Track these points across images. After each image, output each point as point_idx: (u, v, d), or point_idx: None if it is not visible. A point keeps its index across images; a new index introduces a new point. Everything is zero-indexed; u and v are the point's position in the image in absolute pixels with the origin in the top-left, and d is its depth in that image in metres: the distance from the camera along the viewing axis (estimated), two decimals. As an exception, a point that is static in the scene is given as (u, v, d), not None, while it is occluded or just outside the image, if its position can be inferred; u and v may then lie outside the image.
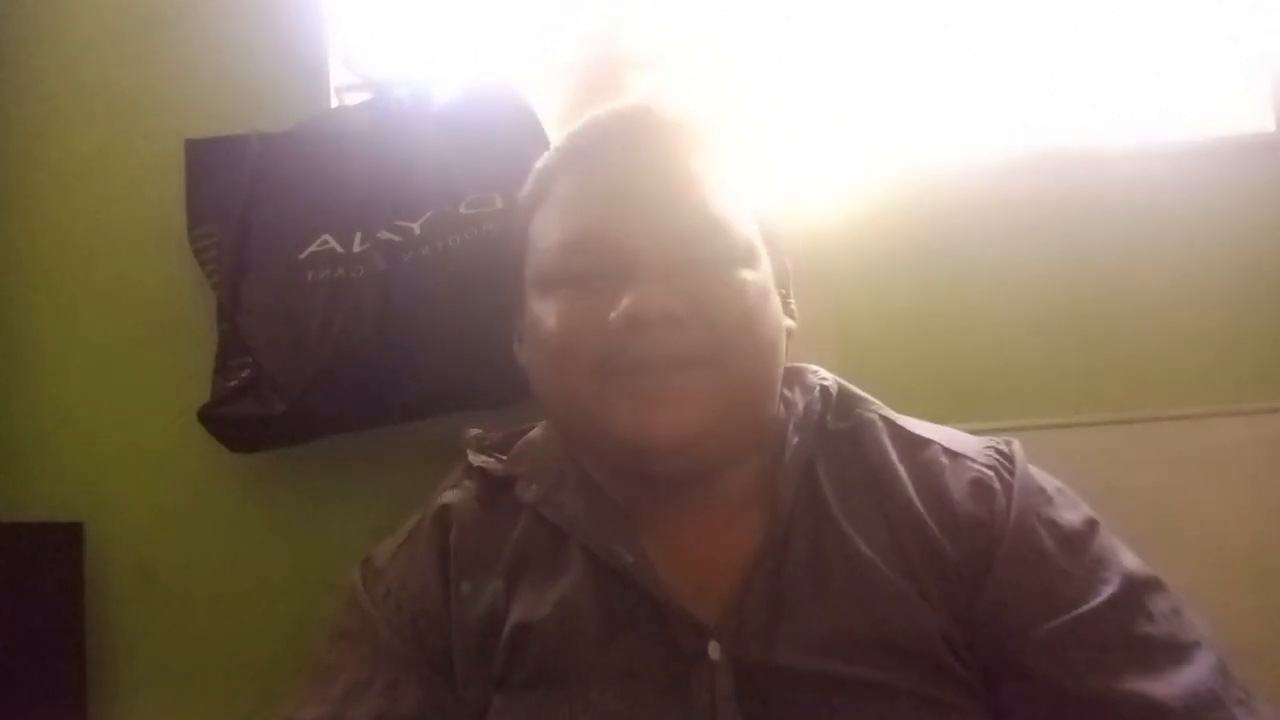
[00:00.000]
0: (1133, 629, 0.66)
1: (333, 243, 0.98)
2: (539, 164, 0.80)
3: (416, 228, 0.97)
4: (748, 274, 0.72)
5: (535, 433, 0.83)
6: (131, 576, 1.05)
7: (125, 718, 1.04)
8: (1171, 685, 0.63)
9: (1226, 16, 1.21)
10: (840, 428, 0.76)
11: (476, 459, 0.81)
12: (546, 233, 0.75)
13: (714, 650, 0.67)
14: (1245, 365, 1.11)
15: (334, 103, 1.12)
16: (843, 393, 0.79)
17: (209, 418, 0.98)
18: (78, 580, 1.02)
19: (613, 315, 0.68)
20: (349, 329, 0.93)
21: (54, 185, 1.09)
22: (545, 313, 0.73)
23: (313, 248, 0.98)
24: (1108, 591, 0.67)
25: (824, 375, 0.80)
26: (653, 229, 0.70)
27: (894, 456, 0.74)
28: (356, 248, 0.97)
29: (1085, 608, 0.66)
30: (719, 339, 0.69)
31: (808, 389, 0.78)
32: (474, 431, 0.84)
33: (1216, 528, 1.04)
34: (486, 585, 0.73)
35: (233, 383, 0.97)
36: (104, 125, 1.09)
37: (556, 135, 0.80)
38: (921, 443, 0.75)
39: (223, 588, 1.05)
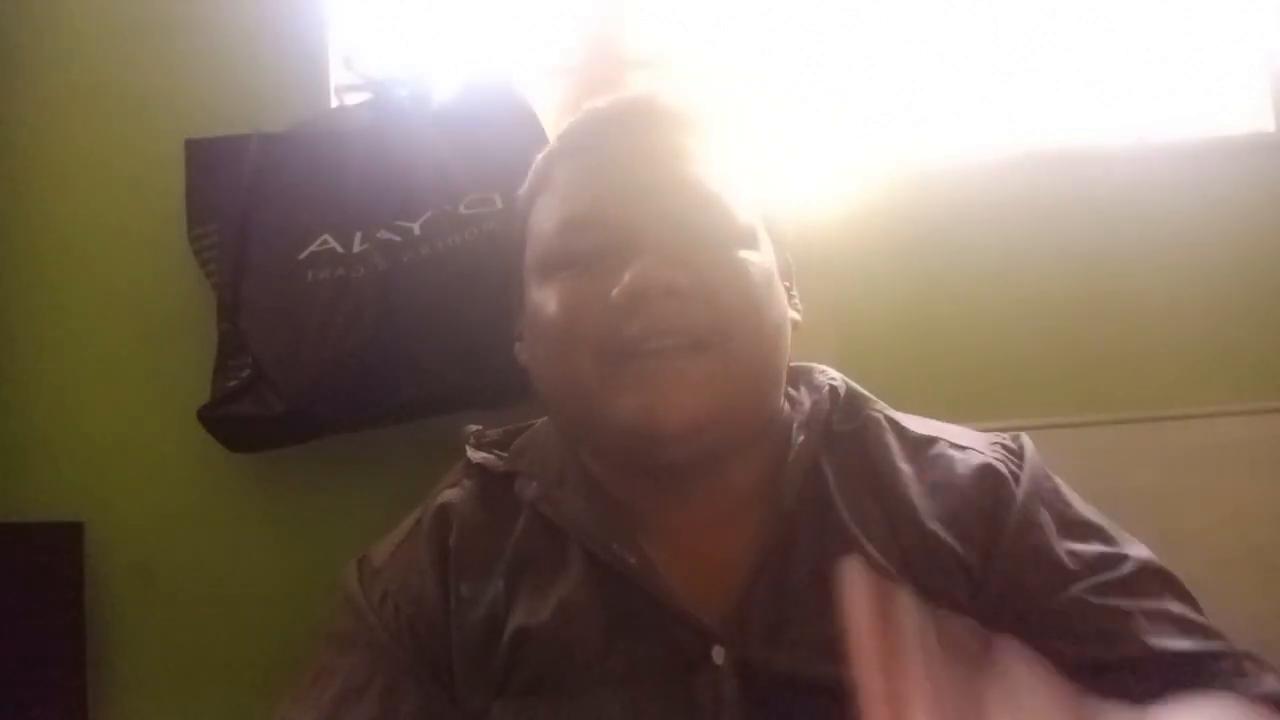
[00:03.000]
0: (1144, 604, 0.65)
1: (333, 243, 0.98)
2: (537, 158, 0.79)
3: (416, 228, 0.97)
4: (750, 255, 0.71)
5: (536, 429, 0.82)
6: (131, 576, 1.05)
7: (125, 718, 1.04)
8: (1185, 644, 0.64)
9: (1226, 16, 1.21)
10: (846, 429, 0.75)
11: (475, 455, 0.79)
12: (545, 220, 0.74)
13: (718, 655, 0.66)
14: (1245, 365, 1.10)
15: (334, 103, 1.12)
16: (850, 393, 0.78)
17: (209, 418, 0.97)
18: (78, 580, 1.01)
19: (614, 291, 0.67)
20: (349, 329, 0.93)
21: (54, 185, 1.09)
22: (546, 299, 0.71)
23: (313, 248, 0.98)
24: (1123, 569, 0.67)
25: (832, 375, 0.80)
26: (652, 206, 0.70)
27: (896, 456, 0.73)
28: (356, 248, 0.97)
29: (1095, 580, 0.66)
30: (721, 317, 0.68)
31: (815, 388, 0.78)
32: (473, 428, 0.83)
33: (1216, 528, 1.03)
34: (486, 587, 0.71)
35: (233, 383, 0.97)
36: (104, 125, 1.09)
37: (556, 132, 0.80)
38: (926, 441, 0.75)
39: (222, 588, 1.05)
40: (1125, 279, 1.12)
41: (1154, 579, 0.68)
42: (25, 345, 1.07)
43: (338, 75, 1.13)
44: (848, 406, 0.77)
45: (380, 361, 0.93)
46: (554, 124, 1.02)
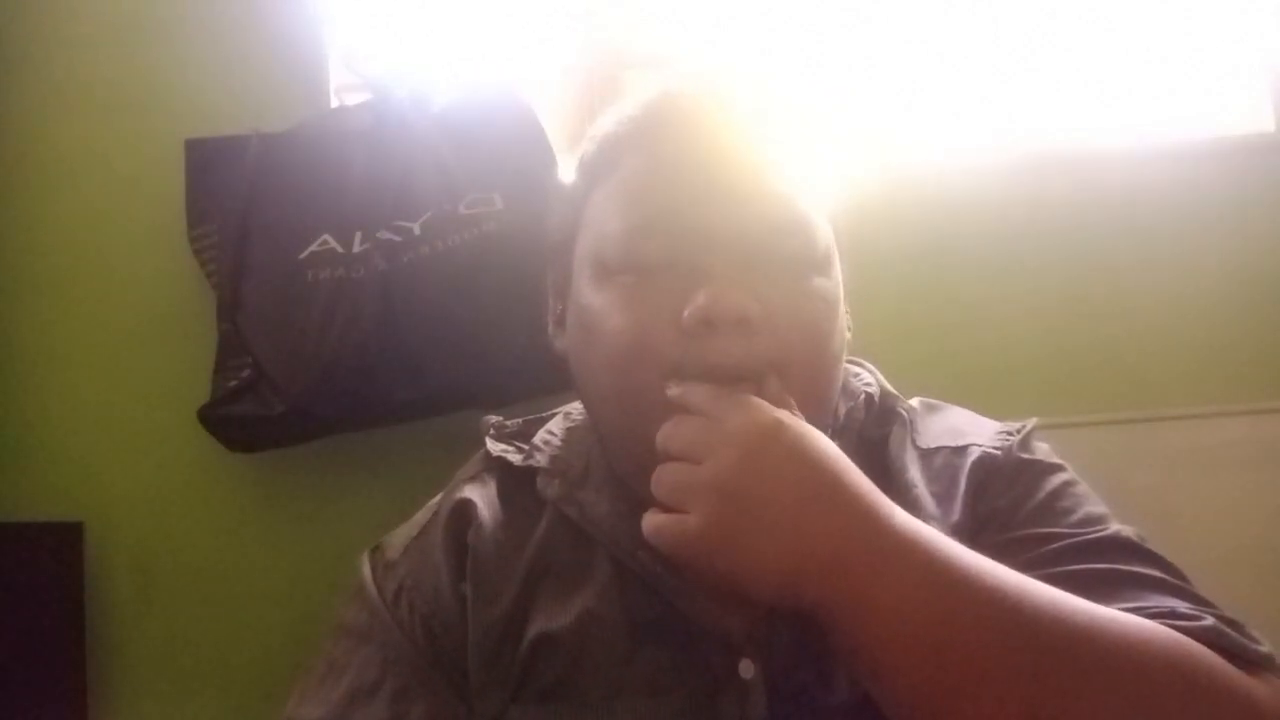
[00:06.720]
0: (1128, 566, 0.64)
1: (333, 243, 0.98)
2: (603, 132, 0.72)
3: (416, 228, 0.97)
4: (822, 283, 0.67)
5: (557, 422, 0.78)
6: (131, 576, 1.05)
7: (125, 718, 1.04)
8: (1171, 603, 0.61)
9: (1226, 16, 1.21)
10: (876, 435, 0.73)
11: (495, 448, 0.76)
12: (609, 214, 0.68)
13: (746, 670, 0.64)
14: (1245, 365, 1.10)
15: (334, 103, 1.12)
16: (884, 397, 0.76)
17: (209, 418, 0.98)
18: (78, 580, 1.02)
19: (686, 313, 0.62)
20: (349, 329, 0.93)
21: (54, 185, 1.09)
22: (604, 305, 0.66)
23: (313, 248, 0.98)
24: (1106, 530, 0.66)
25: (868, 380, 0.77)
26: (731, 220, 0.65)
27: (910, 463, 0.72)
28: (356, 248, 0.97)
29: (1082, 536, 0.65)
30: (783, 350, 0.64)
31: (851, 395, 0.75)
32: (493, 418, 0.79)
33: (1216, 527, 1.04)
34: (505, 589, 0.68)
35: (233, 383, 0.97)
36: (104, 125, 1.09)
37: (627, 109, 0.72)
38: (930, 454, 0.73)
39: (222, 588, 1.05)
40: (1125, 279, 1.12)
41: (1136, 548, 0.66)
42: (25, 345, 1.07)
43: (338, 75, 1.13)
44: (880, 415, 0.75)
45: (380, 361, 0.93)
46: (556, 127, 1.02)
